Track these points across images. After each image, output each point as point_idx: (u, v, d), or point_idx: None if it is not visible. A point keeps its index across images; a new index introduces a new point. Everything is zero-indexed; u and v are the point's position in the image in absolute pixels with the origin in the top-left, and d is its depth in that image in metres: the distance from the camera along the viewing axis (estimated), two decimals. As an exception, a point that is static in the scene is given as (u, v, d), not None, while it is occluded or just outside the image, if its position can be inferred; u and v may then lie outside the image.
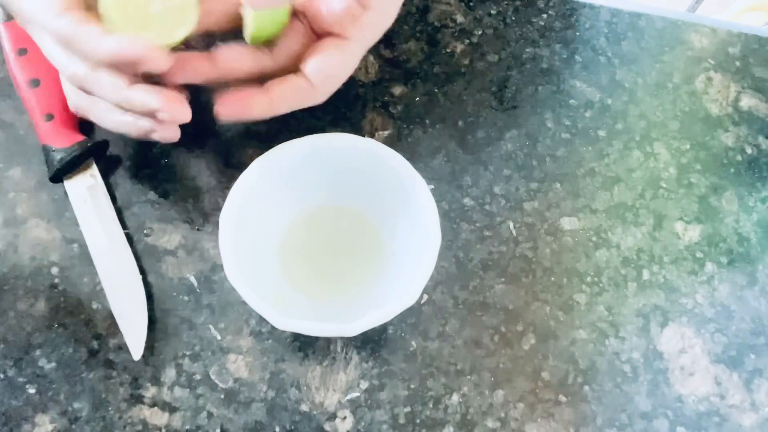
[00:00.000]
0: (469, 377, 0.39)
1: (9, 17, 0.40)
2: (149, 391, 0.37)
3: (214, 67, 0.34)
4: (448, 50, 0.48)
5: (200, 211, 0.41)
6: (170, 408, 0.37)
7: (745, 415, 0.40)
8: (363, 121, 0.45)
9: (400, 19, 0.49)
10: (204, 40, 0.35)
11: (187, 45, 0.34)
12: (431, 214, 0.37)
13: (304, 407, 0.37)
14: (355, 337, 0.39)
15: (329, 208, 0.41)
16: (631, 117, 0.48)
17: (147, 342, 0.37)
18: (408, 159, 0.37)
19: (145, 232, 0.40)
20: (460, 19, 0.49)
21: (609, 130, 0.47)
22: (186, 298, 0.39)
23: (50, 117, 0.39)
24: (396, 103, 0.46)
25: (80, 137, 0.39)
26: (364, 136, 0.42)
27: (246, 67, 0.35)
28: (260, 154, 0.36)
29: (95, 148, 0.40)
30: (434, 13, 0.49)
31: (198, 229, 0.40)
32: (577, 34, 0.49)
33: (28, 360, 0.37)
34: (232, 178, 0.36)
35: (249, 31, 0.34)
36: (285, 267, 0.39)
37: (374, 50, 0.47)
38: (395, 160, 0.37)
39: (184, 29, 0.31)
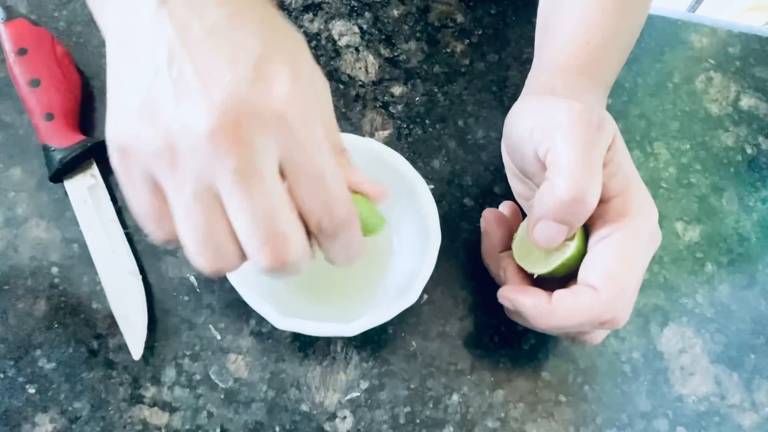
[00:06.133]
0: (469, 377, 0.39)
1: (9, 17, 0.40)
2: (149, 391, 0.37)
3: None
4: (448, 50, 0.48)
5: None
6: (170, 408, 0.36)
7: (745, 415, 0.40)
8: (363, 121, 0.45)
9: (400, 19, 0.49)
10: None
11: None
12: (431, 214, 0.37)
13: (304, 407, 0.37)
14: (355, 337, 0.39)
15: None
16: (631, 117, 0.48)
17: (147, 342, 0.37)
18: (408, 159, 0.37)
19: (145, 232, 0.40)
20: (460, 19, 0.49)
21: (609, 130, 0.47)
22: (186, 298, 0.39)
23: (50, 117, 0.39)
24: (396, 103, 0.46)
25: (80, 137, 0.39)
26: (364, 136, 0.42)
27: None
28: (260, 154, 0.36)
29: (95, 148, 0.40)
30: (434, 13, 0.49)
31: (198, 229, 0.40)
32: (577, 34, 0.49)
33: (28, 360, 0.37)
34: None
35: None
36: (285, 267, 0.39)
37: (374, 50, 0.47)
38: (395, 160, 0.37)
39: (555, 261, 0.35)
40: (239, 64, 0.23)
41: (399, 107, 0.46)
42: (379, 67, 0.47)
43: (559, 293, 0.33)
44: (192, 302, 0.39)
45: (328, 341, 0.39)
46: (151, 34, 0.24)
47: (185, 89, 0.23)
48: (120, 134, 0.24)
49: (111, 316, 0.37)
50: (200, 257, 0.25)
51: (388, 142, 0.44)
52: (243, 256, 0.25)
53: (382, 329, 0.39)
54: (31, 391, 0.36)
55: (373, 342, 0.39)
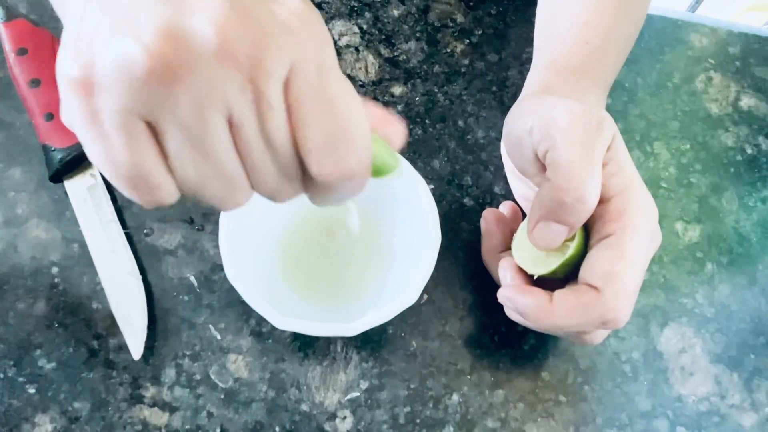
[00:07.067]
0: (469, 377, 0.39)
1: (9, 17, 0.40)
2: (149, 391, 0.37)
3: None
4: (448, 50, 0.48)
5: (200, 211, 0.41)
6: (170, 408, 0.36)
7: (745, 415, 0.40)
8: (363, 121, 0.45)
9: (400, 19, 0.49)
10: None
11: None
12: (431, 214, 0.37)
13: (304, 407, 0.37)
14: (355, 337, 0.39)
15: (329, 207, 0.41)
16: (631, 117, 0.48)
17: (147, 342, 0.37)
18: (408, 159, 0.37)
19: (145, 232, 0.40)
20: (460, 19, 0.49)
21: (609, 130, 0.47)
22: (186, 298, 0.39)
23: (50, 117, 0.39)
24: (396, 103, 0.46)
25: (80, 137, 0.39)
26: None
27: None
28: (260, 154, 0.36)
29: (95, 148, 0.40)
30: (434, 13, 0.49)
31: (198, 229, 0.40)
32: (577, 34, 0.49)
33: (28, 360, 0.37)
34: (232, 178, 0.36)
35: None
36: (285, 267, 0.39)
37: (374, 50, 0.47)
38: (395, 160, 0.37)
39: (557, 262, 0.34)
40: None
41: (399, 107, 0.46)
42: (379, 67, 0.47)
43: (559, 293, 0.33)
44: (192, 302, 0.39)
45: (328, 341, 0.39)
46: None
47: None
48: (79, 63, 0.19)
49: (111, 316, 0.37)
50: (214, 192, 0.22)
51: (388, 142, 0.44)
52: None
53: (382, 329, 0.39)
54: (31, 391, 0.36)
55: (373, 342, 0.39)
